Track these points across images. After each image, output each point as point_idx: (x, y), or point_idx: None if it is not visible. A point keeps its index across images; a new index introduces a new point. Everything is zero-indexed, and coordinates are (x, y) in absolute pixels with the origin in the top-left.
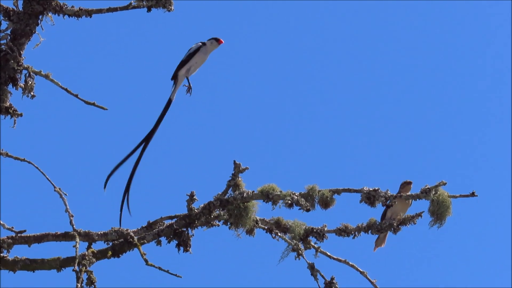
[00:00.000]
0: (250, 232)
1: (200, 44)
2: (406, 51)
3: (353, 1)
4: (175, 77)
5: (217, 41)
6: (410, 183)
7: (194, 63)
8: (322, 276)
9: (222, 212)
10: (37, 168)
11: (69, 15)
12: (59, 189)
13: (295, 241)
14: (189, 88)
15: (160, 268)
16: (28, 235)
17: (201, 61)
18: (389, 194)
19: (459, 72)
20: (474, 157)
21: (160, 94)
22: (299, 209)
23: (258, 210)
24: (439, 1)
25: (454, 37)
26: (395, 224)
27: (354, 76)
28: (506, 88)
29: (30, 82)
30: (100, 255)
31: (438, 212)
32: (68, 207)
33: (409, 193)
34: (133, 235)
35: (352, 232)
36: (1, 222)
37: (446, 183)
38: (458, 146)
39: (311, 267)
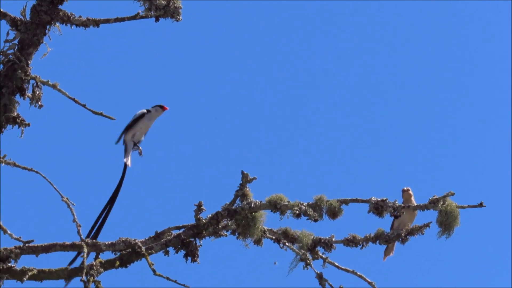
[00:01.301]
0: (258, 242)
1: (145, 111)
2: (408, 52)
3: (352, 1)
4: (124, 142)
5: (162, 108)
6: (406, 190)
7: (138, 129)
8: (331, 286)
9: (229, 222)
10: (44, 178)
11: (76, 25)
12: (67, 199)
13: (303, 251)
14: (139, 152)
15: (168, 278)
16: (36, 245)
17: (145, 127)
18: (397, 205)
19: (461, 78)
20: (481, 167)
21: (167, 101)
22: (307, 219)
23: (266, 220)
24: (439, 1)
25: (454, 38)
26: (403, 235)
27: (358, 83)
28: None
29: (37, 92)
30: (107, 265)
31: (446, 222)
32: (75, 217)
33: (417, 204)
34: (141, 245)
35: (360, 243)
36: (9, 232)
37: (454, 194)
38: (466, 157)
39: (320, 277)
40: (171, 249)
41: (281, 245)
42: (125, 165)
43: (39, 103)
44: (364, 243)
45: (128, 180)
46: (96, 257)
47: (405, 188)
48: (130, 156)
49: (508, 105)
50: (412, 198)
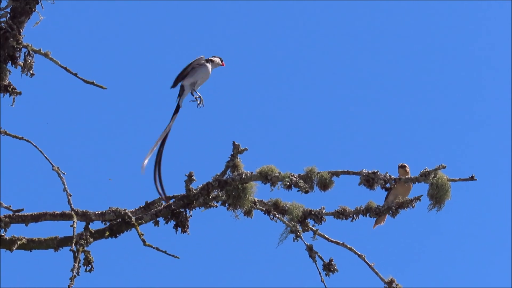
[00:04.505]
0: (248, 213)
1: (203, 60)
2: (405, 46)
3: (352, 1)
4: (181, 86)
5: (221, 61)
6: (403, 166)
7: (200, 77)
8: (321, 258)
9: (220, 193)
10: (35, 146)
11: None
12: (58, 168)
13: (293, 223)
14: (199, 103)
15: (157, 249)
16: (26, 214)
17: (206, 76)
18: (388, 177)
19: (454, 54)
20: (473, 141)
21: (158, 73)
22: (298, 191)
23: (257, 191)
24: (439, 0)
25: (456, 35)
26: (393, 208)
27: (351, 58)
28: (503, 77)
29: (29, 61)
30: (97, 235)
31: (437, 195)
32: (66, 186)
33: (408, 176)
34: (130, 215)
35: (351, 215)
36: None
37: (445, 167)
38: (456, 130)
39: (310, 249)
40: (161, 220)
41: (271, 216)
42: (178, 106)
43: (31, 71)
44: (354, 216)
45: (118, 148)
46: (86, 227)
47: (401, 164)
48: (183, 100)
49: (508, 72)
50: (408, 176)
